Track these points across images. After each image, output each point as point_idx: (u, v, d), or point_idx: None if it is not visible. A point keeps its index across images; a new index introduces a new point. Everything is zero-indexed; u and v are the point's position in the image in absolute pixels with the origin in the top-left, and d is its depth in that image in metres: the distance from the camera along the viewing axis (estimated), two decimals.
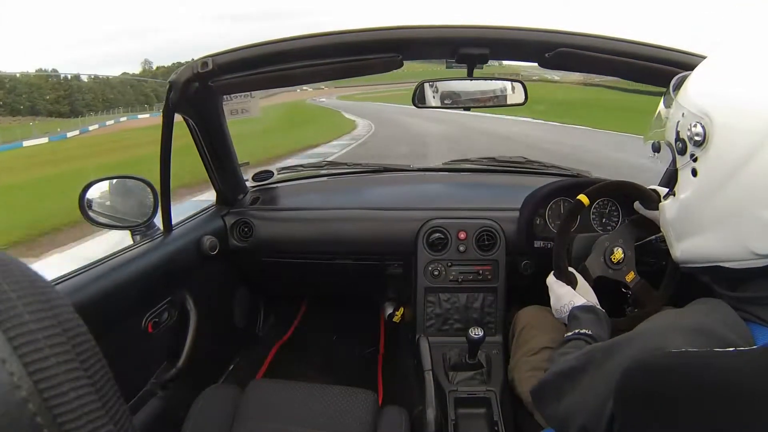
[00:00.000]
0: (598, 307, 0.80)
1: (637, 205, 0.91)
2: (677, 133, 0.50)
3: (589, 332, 0.71)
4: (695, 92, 0.48)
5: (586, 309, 0.79)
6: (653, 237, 0.91)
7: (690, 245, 0.51)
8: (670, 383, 0.37)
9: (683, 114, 0.49)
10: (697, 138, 0.46)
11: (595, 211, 1.13)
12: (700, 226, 0.48)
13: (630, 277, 0.90)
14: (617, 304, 0.92)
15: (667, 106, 0.54)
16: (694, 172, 0.47)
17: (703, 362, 0.37)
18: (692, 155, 0.47)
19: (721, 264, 0.47)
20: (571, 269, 0.90)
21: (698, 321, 0.43)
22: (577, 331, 0.72)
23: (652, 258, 0.97)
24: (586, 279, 0.89)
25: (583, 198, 0.91)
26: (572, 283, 0.87)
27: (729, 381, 0.35)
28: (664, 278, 0.91)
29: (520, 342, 1.01)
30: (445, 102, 1.02)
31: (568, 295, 0.84)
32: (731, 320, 0.43)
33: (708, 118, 0.45)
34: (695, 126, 0.46)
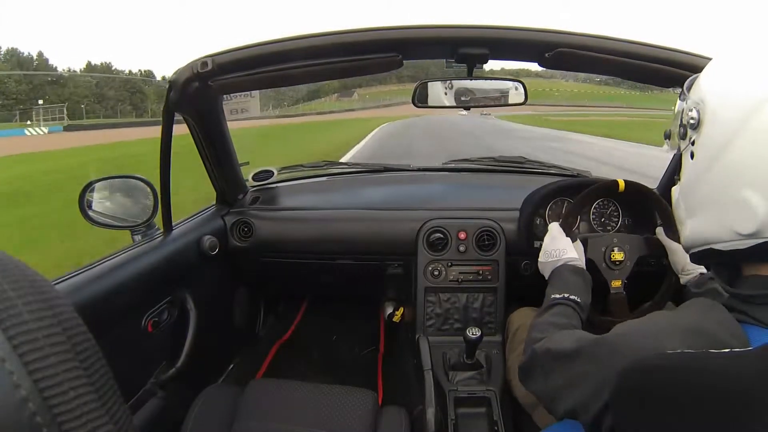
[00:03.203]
0: (586, 271, 0.82)
1: (659, 230, 0.94)
2: (681, 120, 0.53)
3: (578, 299, 0.73)
4: (700, 85, 0.51)
5: (576, 271, 0.80)
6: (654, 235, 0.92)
7: (690, 227, 0.53)
8: (667, 384, 0.37)
9: (687, 103, 0.52)
10: (692, 122, 0.49)
11: (595, 211, 1.13)
12: (695, 208, 0.51)
13: (616, 284, 0.91)
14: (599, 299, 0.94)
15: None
16: (692, 155, 0.50)
17: (699, 363, 0.37)
18: (690, 138, 0.50)
19: (713, 246, 0.48)
20: (575, 230, 0.91)
21: (693, 321, 0.44)
22: (565, 295, 0.73)
23: (653, 258, 0.98)
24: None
25: (620, 182, 0.94)
26: (572, 237, 0.89)
27: (726, 382, 0.35)
28: (645, 304, 0.93)
29: (515, 343, 1.01)
30: (462, 99, 1.03)
31: (565, 242, 0.86)
32: (726, 321, 0.43)
33: (702, 103, 0.48)
34: (691, 111, 0.49)
